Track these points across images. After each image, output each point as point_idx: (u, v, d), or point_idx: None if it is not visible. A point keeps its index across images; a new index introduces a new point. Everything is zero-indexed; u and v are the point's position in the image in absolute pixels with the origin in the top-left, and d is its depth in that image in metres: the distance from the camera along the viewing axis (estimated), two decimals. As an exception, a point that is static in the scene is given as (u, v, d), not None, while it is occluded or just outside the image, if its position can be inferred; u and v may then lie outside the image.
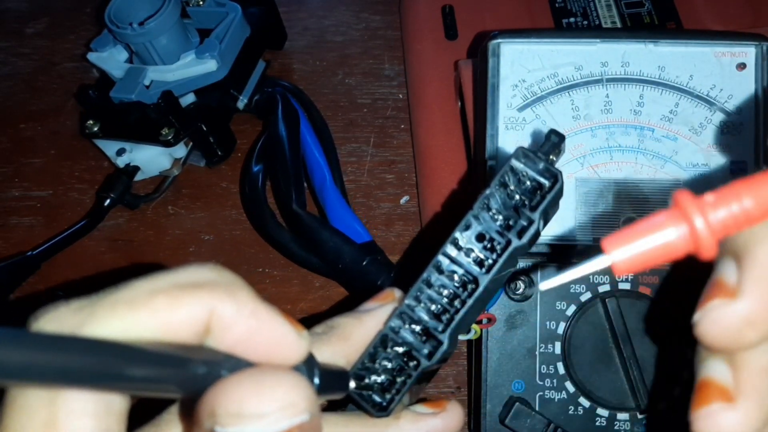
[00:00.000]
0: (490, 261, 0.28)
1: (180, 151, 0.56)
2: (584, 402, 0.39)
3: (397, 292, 0.31)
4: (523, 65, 0.43)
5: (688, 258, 0.21)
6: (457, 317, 0.28)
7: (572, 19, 0.55)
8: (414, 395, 0.33)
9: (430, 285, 0.29)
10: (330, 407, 0.31)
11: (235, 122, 0.60)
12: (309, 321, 0.30)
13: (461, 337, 0.32)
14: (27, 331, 0.20)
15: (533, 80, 0.43)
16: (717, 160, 0.41)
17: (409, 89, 0.59)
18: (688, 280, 0.29)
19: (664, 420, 0.39)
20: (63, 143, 0.61)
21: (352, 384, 0.29)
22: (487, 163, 0.42)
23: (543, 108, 0.42)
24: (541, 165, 0.27)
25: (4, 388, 0.21)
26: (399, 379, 0.29)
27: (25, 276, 0.54)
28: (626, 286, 0.40)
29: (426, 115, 0.55)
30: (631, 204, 0.41)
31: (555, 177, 0.27)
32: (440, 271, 0.29)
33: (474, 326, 0.37)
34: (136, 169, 0.56)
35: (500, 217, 0.28)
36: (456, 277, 0.29)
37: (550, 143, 0.28)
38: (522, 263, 0.41)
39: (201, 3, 0.58)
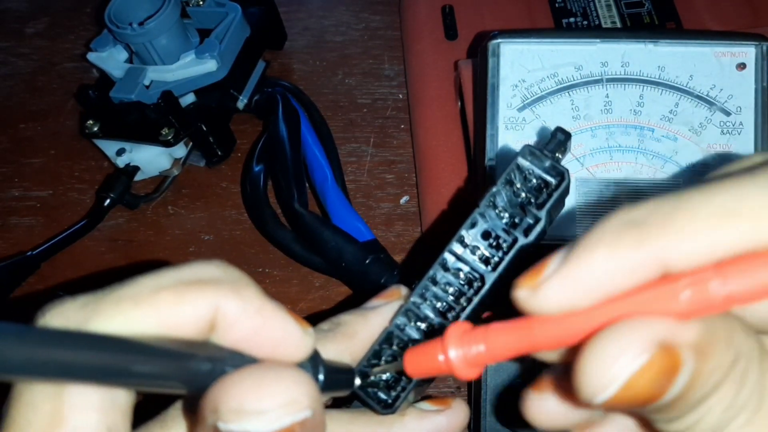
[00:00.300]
0: (496, 259, 0.28)
1: (180, 151, 0.56)
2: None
3: (403, 290, 0.31)
4: (523, 65, 0.43)
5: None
6: (463, 315, 0.29)
7: (572, 19, 0.55)
8: (418, 393, 0.33)
9: (435, 282, 0.29)
10: (336, 404, 0.31)
11: (235, 122, 0.60)
12: (309, 320, 0.30)
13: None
14: (33, 326, 0.20)
15: (533, 80, 0.43)
16: (717, 160, 0.41)
17: (409, 89, 0.59)
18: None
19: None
20: (63, 143, 0.61)
21: (358, 381, 0.29)
22: (487, 163, 0.42)
23: (543, 108, 0.42)
24: (548, 163, 0.27)
25: (11, 382, 0.21)
26: (404, 377, 0.29)
27: (25, 276, 0.54)
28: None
29: (426, 115, 0.55)
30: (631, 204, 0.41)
31: (562, 175, 0.27)
32: (446, 268, 0.29)
33: None
34: (136, 169, 0.56)
35: (506, 215, 0.28)
36: (462, 275, 0.29)
37: (557, 141, 0.28)
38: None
39: (201, 3, 0.58)
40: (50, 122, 0.63)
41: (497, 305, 0.28)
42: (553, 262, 0.21)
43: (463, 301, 0.29)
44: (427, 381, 0.32)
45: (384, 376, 0.29)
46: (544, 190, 0.28)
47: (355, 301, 0.32)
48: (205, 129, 0.55)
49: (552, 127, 0.29)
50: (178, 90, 0.55)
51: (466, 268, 0.29)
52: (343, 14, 0.67)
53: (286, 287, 0.52)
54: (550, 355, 0.24)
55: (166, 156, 0.56)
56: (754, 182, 0.19)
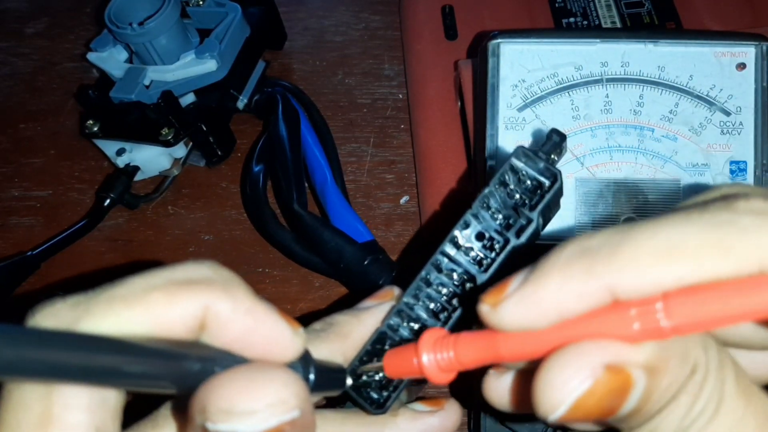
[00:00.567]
0: (489, 260, 0.28)
1: (180, 151, 0.56)
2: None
3: (396, 290, 0.31)
4: (523, 65, 0.43)
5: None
6: (455, 315, 0.28)
7: (572, 19, 0.55)
8: (413, 394, 0.33)
9: (428, 283, 0.29)
10: (328, 404, 0.31)
11: (235, 122, 0.60)
12: (309, 320, 0.30)
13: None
14: (22, 326, 0.20)
15: (533, 80, 0.42)
16: (717, 160, 0.41)
17: (409, 89, 0.59)
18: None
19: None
20: (63, 143, 0.61)
21: (349, 381, 0.29)
22: (487, 163, 0.42)
23: (543, 108, 0.42)
24: (541, 164, 0.27)
25: (1, 382, 0.21)
26: None
27: (25, 276, 0.54)
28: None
29: (426, 115, 0.55)
30: (631, 204, 0.41)
31: (554, 176, 0.27)
32: (439, 269, 0.29)
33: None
34: (136, 169, 0.56)
35: (500, 216, 0.28)
36: (455, 276, 0.29)
37: (551, 143, 0.28)
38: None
39: (201, 3, 0.58)
40: (50, 122, 0.63)
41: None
42: (514, 282, 0.22)
43: (455, 302, 0.29)
44: (421, 382, 0.32)
45: (377, 377, 0.29)
46: (538, 191, 0.28)
47: (352, 301, 0.32)
48: (205, 129, 0.55)
49: (553, 127, 0.29)
50: (178, 90, 0.55)
51: (459, 269, 0.28)
52: (343, 14, 0.67)
53: (286, 287, 0.52)
54: (516, 365, 0.25)
55: (166, 156, 0.56)
56: (701, 219, 0.20)
